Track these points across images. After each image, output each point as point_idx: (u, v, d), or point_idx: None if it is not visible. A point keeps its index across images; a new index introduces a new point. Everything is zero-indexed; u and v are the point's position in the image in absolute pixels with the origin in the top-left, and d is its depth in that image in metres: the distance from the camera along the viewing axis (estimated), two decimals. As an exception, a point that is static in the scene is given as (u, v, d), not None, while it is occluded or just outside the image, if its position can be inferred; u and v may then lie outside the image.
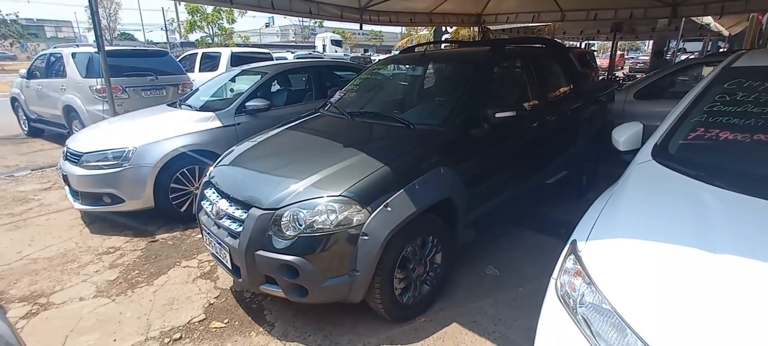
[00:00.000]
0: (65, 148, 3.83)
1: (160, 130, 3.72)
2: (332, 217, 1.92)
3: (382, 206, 1.98)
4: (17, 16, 35.08)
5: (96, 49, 5.46)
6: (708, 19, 11.41)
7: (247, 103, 4.14)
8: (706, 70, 6.57)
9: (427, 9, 9.49)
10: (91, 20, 5.20)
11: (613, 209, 1.48)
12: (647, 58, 23.46)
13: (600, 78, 11.60)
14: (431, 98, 3.15)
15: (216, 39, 31.77)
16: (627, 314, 1.11)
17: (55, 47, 7.66)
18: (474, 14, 11.01)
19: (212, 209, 2.29)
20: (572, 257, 1.36)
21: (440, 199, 2.25)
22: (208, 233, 2.30)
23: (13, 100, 8.10)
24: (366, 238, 1.93)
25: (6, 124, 8.16)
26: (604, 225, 1.40)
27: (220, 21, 30.77)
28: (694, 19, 11.11)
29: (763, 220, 1.23)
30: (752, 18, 9.48)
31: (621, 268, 1.21)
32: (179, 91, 7.25)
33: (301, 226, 1.94)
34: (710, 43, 17.11)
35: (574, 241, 1.42)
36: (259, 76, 4.61)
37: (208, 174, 2.61)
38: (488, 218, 2.83)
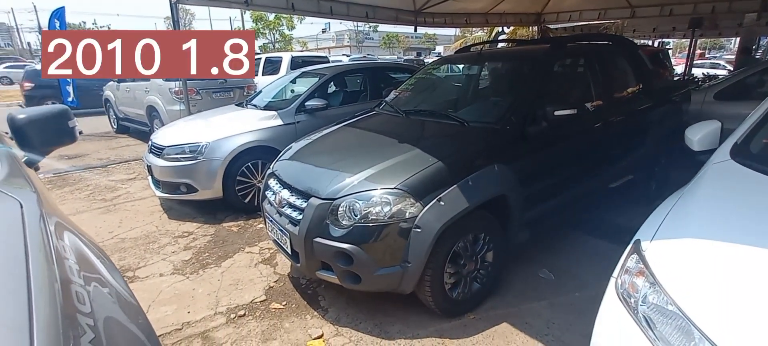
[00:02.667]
0: (150, 142, 4.30)
1: (229, 127, 4.05)
2: (386, 209, 2.00)
3: (435, 200, 2.02)
4: (109, 28, 39.80)
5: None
6: (810, 11, 10.01)
7: (306, 103, 4.37)
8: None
9: (484, 9, 9.33)
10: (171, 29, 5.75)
11: (683, 209, 1.39)
12: (731, 57, 21.07)
13: (676, 77, 10.64)
14: (486, 97, 3.13)
15: (277, 45, 33.55)
16: (695, 315, 1.05)
17: (141, 54, 8.59)
18: (533, 13, 10.62)
19: (275, 198, 2.47)
20: (635, 256, 1.30)
21: (493, 196, 2.24)
22: (271, 221, 2.48)
23: (105, 102, 9.19)
24: (418, 230, 1.98)
25: (100, 123, 9.28)
26: (672, 225, 1.33)
27: (281, 27, 32.49)
28: (791, 11, 9.81)
29: None
30: None
31: (688, 268, 1.15)
32: (245, 93, 7.80)
33: (356, 216, 2.04)
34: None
35: (638, 240, 1.36)
36: (317, 78, 4.84)
37: (272, 167, 2.81)
38: (545, 219, 2.75)
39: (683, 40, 20.56)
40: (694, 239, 1.21)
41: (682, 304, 1.09)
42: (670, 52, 14.32)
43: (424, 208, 2.00)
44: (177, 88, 6.89)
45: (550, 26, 11.33)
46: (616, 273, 1.35)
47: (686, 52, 15.41)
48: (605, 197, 3.33)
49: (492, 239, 2.35)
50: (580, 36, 6.01)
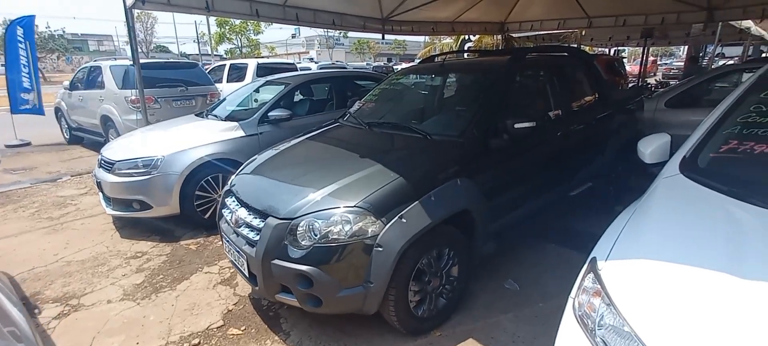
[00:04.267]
0: (100, 157, 4.03)
1: (187, 140, 3.86)
2: (347, 228, 1.93)
3: (396, 218, 1.97)
4: (64, 31, 37.46)
5: (131, 62, 5.75)
6: (748, 23, 10.83)
7: (269, 114, 4.24)
8: (746, 77, 6.24)
9: (450, 18, 9.48)
10: (132, 34, 5.46)
11: (636, 226, 1.41)
12: (681, 64, 22.50)
13: (630, 85, 11.20)
14: (449, 109, 3.13)
15: (243, 50, 32.82)
16: (649, 339, 1.04)
17: (95, 60, 8.13)
18: (497, 22, 10.89)
19: (232, 217, 2.34)
20: (591, 275, 1.30)
21: (457, 211, 2.22)
22: (228, 241, 2.35)
23: (57, 110, 8.62)
24: (380, 249, 1.92)
25: (51, 134, 8.67)
26: (626, 243, 1.34)
27: (248, 32, 31.81)
28: (731, 23, 10.58)
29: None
30: (798, 21, 8.90)
31: (643, 290, 1.15)
32: (207, 101, 7.52)
33: (316, 236, 1.95)
34: (751, 47, 16.22)
35: (594, 259, 1.36)
36: (282, 87, 4.72)
37: (229, 183, 2.68)
38: (509, 230, 2.77)
39: (637, 48, 21.79)
40: (648, 260, 1.21)
41: (636, 326, 1.09)
42: (625, 59, 15.08)
43: (385, 226, 1.94)
44: (133, 97, 6.55)
45: (513, 35, 11.66)
46: (573, 293, 1.34)
47: (640, 59, 16.32)
48: (566, 205, 3.41)
49: (457, 254, 2.32)
50: (538, 48, 6.19)
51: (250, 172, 2.69)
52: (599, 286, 1.25)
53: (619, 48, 19.42)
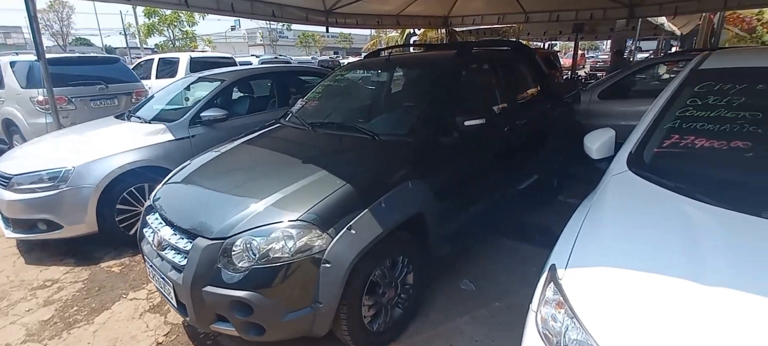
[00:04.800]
0: (-7, 170, 3.41)
1: (104, 146, 3.38)
2: (290, 244, 1.72)
3: (345, 229, 1.80)
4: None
5: (37, 57, 4.98)
6: (662, 20, 11.93)
7: (202, 114, 3.85)
8: (662, 69, 6.80)
9: (394, 11, 9.40)
10: (34, 25, 4.69)
11: (592, 229, 1.36)
12: (606, 57, 24.41)
13: (564, 78, 11.89)
14: (397, 106, 3.00)
15: (177, 43, 30.54)
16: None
17: (-6, 55, 7.01)
18: (441, 16, 11.02)
19: (154, 238, 2.03)
20: (552, 285, 1.23)
21: (410, 216, 2.09)
22: (151, 266, 2.04)
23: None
24: (328, 265, 1.74)
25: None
26: (584, 248, 1.28)
27: (181, 23, 29.58)
28: (649, 19, 11.59)
29: (754, 241, 1.15)
30: (704, 17, 9.95)
31: (607, 302, 1.09)
32: (133, 100, 6.80)
33: (254, 256, 1.73)
34: (664, 42, 18.01)
35: (554, 266, 1.29)
36: (217, 84, 4.31)
37: (151, 197, 2.34)
38: (463, 229, 2.71)
39: (568, 42, 23.28)
40: (608, 268, 1.16)
41: (602, 342, 1.02)
42: (558, 53, 16.02)
43: (333, 239, 1.76)
44: (41, 97, 5.72)
45: (456, 29, 11.88)
46: (534, 306, 1.27)
47: (571, 52, 17.45)
48: (516, 199, 3.44)
49: (411, 261, 2.21)
50: (481, 42, 6.29)
51: (177, 183, 2.38)
52: (561, 297, 1.17)
53: (552, 42, 20.60)
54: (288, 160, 2.32)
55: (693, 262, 1.09)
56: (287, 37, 49.37)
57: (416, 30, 17.85)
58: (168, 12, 27.78)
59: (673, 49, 17.28)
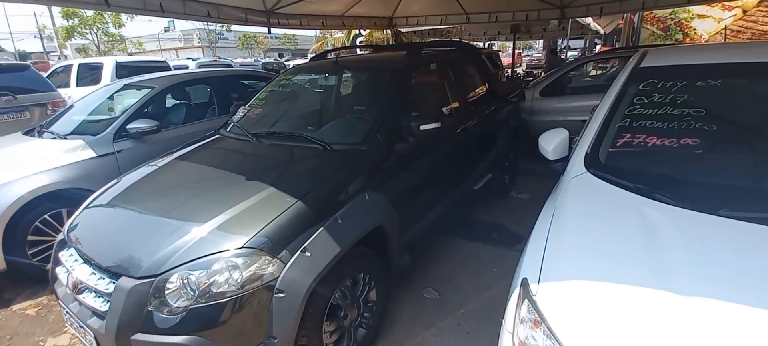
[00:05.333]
0: None
1: (8, 169, 2.88)
2: (236, 275, 1.52)
3: (299, 253, 1.62)
4: None
5: None
6: (589, 20, 12.88)
7: (129, 126, 3.43)
8: (599, 67, 7.27)
9: (339, 12, 9.22)
10: None
11: (559, 237, 1.32)
12: (540, 55, 25.98)
13: (506, 76, 12.41)
14: (349, 113, 2.83)
15: (102, 47, 27.92)
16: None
17: None
18: (386, 17, 11.02)
19: (68, 280, 1.71)
20: (527, 303, 1.15)
21: (369, 230, 1.96)
22: (68, 313, 1.72)
23: None
24: (282, 295, 1.56)
25: None
26: (554, 260, 1.23)
27: (106, 26, 27.07)
28: (578, 19, 12.45)
29: (715, 242, 1.15)
30: (626, 17, 10.83)
31: (585, 320, 1.04)
32: (49, 112, 6.02)
33: (194, 293, 1.50)
34: (589, 41, 19.53)
35: (526, 281, 1.22)
36: (147, 91, 3.89)
37: (65, 228, 1.99)
38: (423, 235, 2.63)
39: (506, 42, 24.46)
40: (581, 281, 1.12)
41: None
42: (499, 53, 16.75)
43: (285, 265, 1.58)
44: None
45: (401, 30, 11.97)
46: (508, 325, 1.19)
47: (509, 51, 18.35)
48: (471, 199, 3.44)
49: (374, 276, 2.08)
50: (428, 43, 6.31)
51: (97, 208, 2.05)
52: (537, 316, 1.10)
53: (491, 42, 21.51)
54: (229, 177, 2.07)
55: (663, 270, 1.07)
56: (228, 39, 47.06)
57: (362, 31, 17.76)
58: (90, 13, 25.30)
59: (598, 48, 18.83)
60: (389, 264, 2.24)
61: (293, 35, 48.08)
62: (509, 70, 14.05)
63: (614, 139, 1.72)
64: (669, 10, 10.72)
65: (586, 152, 1.72)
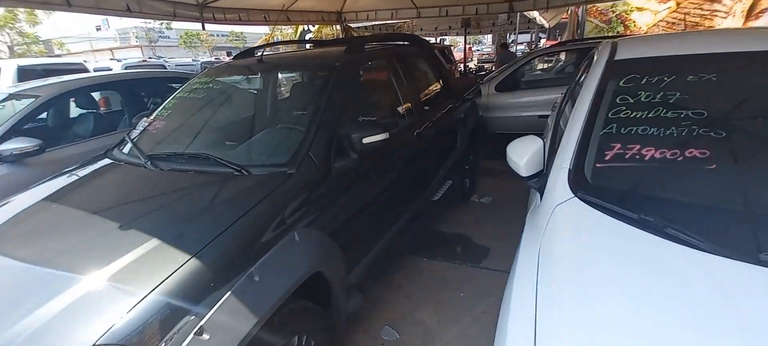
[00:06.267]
0: None
1: None
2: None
3: (192, 337, 1.12)
4: None
5: None
6: (535, 14, 13.12)
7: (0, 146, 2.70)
8: (553, 60, 7.21)
9: (283, 5, 8.55)
10: None
11: (554, 301, 0.94)
12: (490, 50, 26.51)
13: (459, 71, 12.32)
14: (274, 124, 2.32)
15: (17, 49, 24.95)
16: None
17: None
18: (334, 12, 10.51)
19: None
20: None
21: (303, 279, 1.49)
22: None
23: None
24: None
25: None
26: (552, 332, 0.85)
27: (19, 24, 24.15)
28: (524, 13, 12.64)
29: (760, 303, 0.81)
30: (571, 11, 11.05)
31: None
32: None
33: None
34: (535, 35, 20.13)
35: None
36: (31, 101, 3.14)
37: None
38: (375, 267, 2.20)
39: (456, 37, 24.66)
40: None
41: None
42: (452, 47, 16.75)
43: (171, 360, 1.08)
44: None
45: (351, 25, 11.56)
46: None
47: (459, 46, 18.47)
48: (431, 211, 3.07)
49: (313, 335, 1.61)
50: (376, 36, 5.84)
51: None
52: None
53: (443, 37, 21.56)
54: (98, 225, 1.49)
55: None
56: (169, 38, 43.73)
57: (311, 27, 17.14)
58: (1, 10, 22.39)
59: (542, 42, 19.45)
60: (335, 312, 1.79)
61: (241, 33, 45.63)
62: (462, 65, 14.05)
63: (601, 151, 1.38)
64: (610, 3, 11.10)
65: (569, 169, 1.36)
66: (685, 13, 9.69)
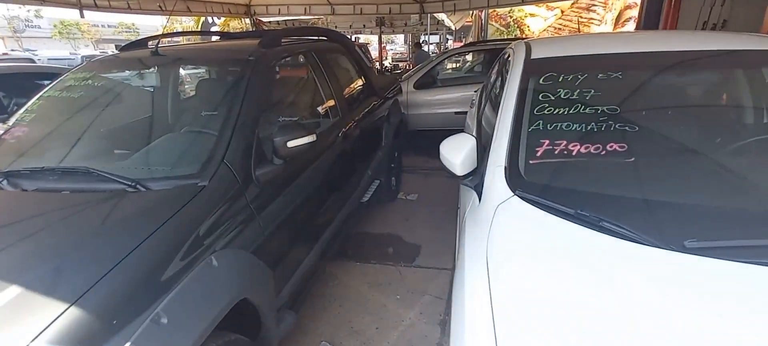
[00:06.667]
0: None
1: None
2: None
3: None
4: None
5: None
6: (443, 16, 13.85)
7: None
8: (468, 58, 7.58)
9: (181, -6, 7.74)
10: None
11: (511, 304, 0.90)
12: (403, 49, 27.41)
13: (376, 69, 12.43)
14: (177, 128, 1.96)
15: None
16: None
17: None
18: (243, 4, 9.85)
19: None
20: None
21: (226, 311, 1.27)
22: None
23: None
24: None
25: None
26: (511, 331, 0.81)
27: None
28: (434, 15, 13.28)
29: (689, 291, 0.86)
30: (475, 15, 11.86)
31: None
32: None
33: None
34: (443, 36, 21.33)
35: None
36: None
37: None
38: (308, 280, 2.03)
39: (370, 36, 24.99)
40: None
41: None
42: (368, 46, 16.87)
43: None
44: None
45: (262, 20, 10.99)
46: None
47: (373, 45, 18.76)
48: (361, 213, 2.97)
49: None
50: (291, 30, 5.52)
51: None
52: None
53: (357, 36, 21.69)
54: None
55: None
56: (39, 27, 36.76)
57: (216, 19, 15.96)
58: None
59: (450, 42, 20.64)
60: (266, 339, 1.58)
61: (132, 24, 40.30)
62: (378, 63, 14.22)
63: (532, 147, 1.40)
64: (507, 9, 12.16)
65: (505, 167, 1.36)
66: (569, 20, 11.04)
